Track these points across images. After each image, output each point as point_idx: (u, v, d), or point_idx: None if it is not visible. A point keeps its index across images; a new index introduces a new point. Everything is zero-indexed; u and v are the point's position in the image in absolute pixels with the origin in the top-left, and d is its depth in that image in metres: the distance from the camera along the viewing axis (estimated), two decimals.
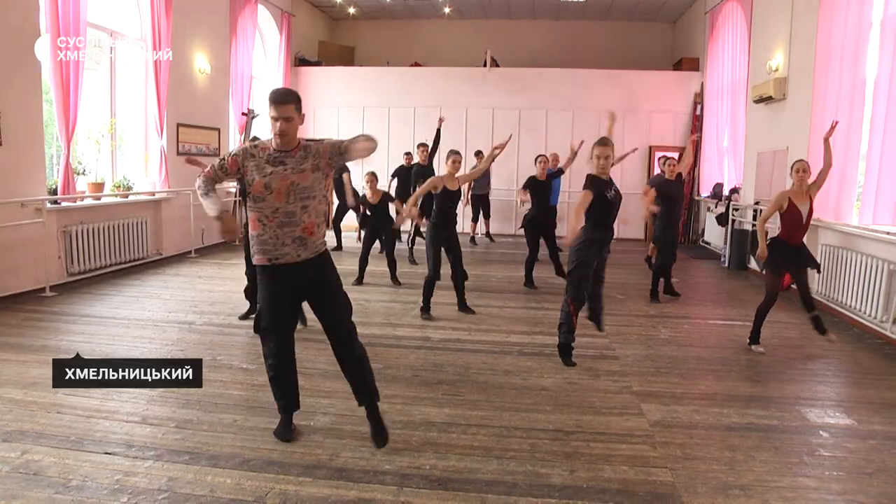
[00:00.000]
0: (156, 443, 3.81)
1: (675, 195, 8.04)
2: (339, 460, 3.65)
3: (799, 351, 6.03)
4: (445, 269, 7.04)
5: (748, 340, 6.10)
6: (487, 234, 13.82)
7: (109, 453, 3.66)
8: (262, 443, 3.85)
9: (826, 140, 5.96)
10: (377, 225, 8.91)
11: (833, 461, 3.82)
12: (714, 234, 12.60)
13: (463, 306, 7.20)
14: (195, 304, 7.31)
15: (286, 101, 3.58)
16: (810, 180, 5.90)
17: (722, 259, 11.40)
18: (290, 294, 3.78)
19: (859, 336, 6.75)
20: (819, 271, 6.42)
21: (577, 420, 4.31)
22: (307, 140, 3.80)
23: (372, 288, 8.43)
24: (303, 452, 3.74)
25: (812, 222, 5.93)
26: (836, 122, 6.19)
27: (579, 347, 5.98)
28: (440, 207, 6.99)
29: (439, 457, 3.73)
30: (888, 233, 6.73)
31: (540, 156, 8.93)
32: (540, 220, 8.70)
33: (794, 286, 6.45)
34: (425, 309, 6.99)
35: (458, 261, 7.08)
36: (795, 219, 5.81)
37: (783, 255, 5.90)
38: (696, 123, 14.09)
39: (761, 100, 10.12)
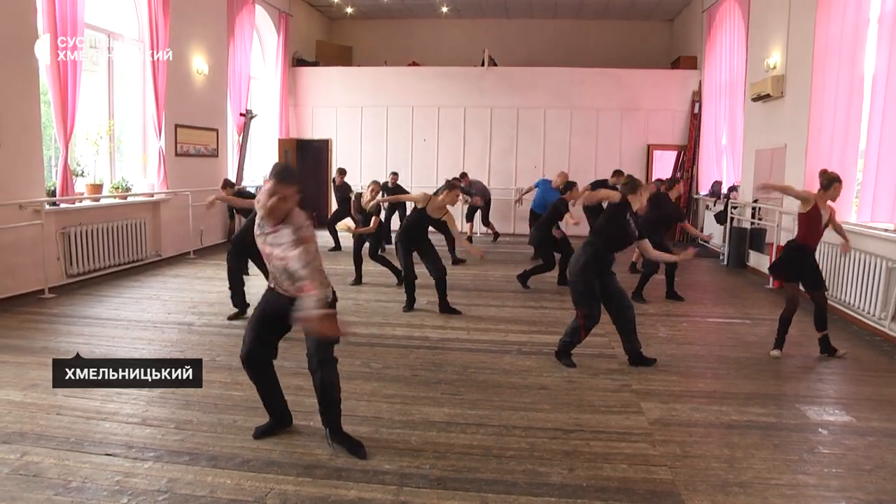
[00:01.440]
0: (156, 444, 3.82)
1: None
2: (339, 460, 3.66)
3: (798, 349, 6.03)
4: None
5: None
6: (494, 236, 13.67)
7: (109, 454, 3.66)
8: (262, 443, 3.85)
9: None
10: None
11: (832, 458, 3.83)
12: (713, 233, 12.59)
13: (444, 307, 7.23)
14: (194, 305, 7.31)
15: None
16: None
17: (721, 257, 11.41)
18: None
19: (858, 333, 6.76)
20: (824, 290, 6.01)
21: (576, 419, 4.31)
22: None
23: (370, 288, 8.44)
24: (302, 452, 3.74)
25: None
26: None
27: (578, 346, 5.99)
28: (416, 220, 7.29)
29: (439, 456, 3.73)
30: (886, 230, 6.74)
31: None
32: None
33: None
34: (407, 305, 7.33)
35: (431, 263, 7.22)
36: (815, 221, 5.76)
37: (801, 264, 5.79)
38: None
39: (759, 98, 10.12)
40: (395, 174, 12.26)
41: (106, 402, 4.38)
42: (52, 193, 8.01)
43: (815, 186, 8.24)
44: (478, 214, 13.25)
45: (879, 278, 6.64)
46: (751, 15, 10.91)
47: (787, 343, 5.90)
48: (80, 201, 8.50)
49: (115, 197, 9.23)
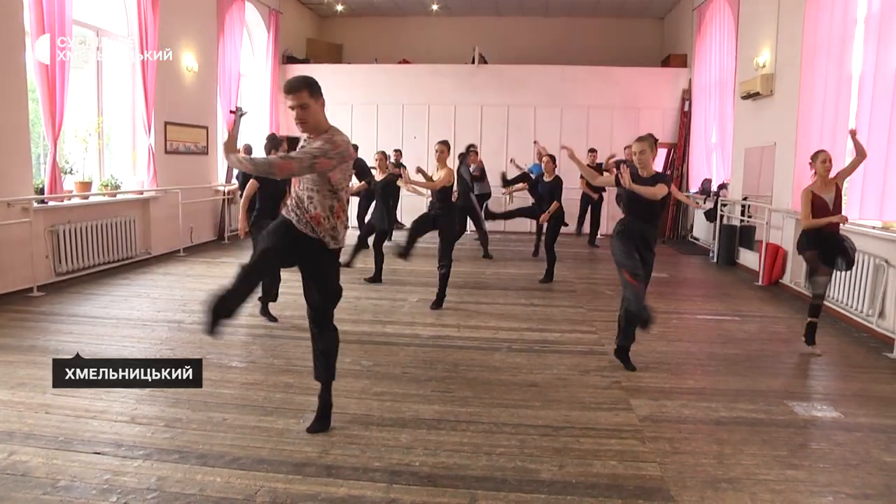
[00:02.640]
0: (145, 442, 3.80)
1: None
2: (329, 458, 3.65)
3: (786, 345, 6.07)
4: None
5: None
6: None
7: (98, 453, 3.65)
8: (252, 441, 3.84)
9: (853, 135, 5.99)
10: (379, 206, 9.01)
11: (820, 454, 3.86)
12: (702, 230, 12.66)
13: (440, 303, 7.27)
14: (184, 303, 7.28)
15: (297, 89, 3.66)
16: (834, 172, 5.82)
17: (710, 254, 11.46)
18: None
19: (846, 330, 6.81)
20: (849, 268, 5.98)
21: (566, 416, 4.33)
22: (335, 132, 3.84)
23: (361, 286, 8.41)
24: (292, 450, 3.74)
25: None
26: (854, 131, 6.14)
27: (568, 343, 6.02)
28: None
29: (429, 453, 3.73)
30: (874, 227, 6.78)
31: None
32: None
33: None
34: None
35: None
36: (822, 208, 5.76)
37: (816, 244, 5.79)
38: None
39: (749, 96, 10.17)
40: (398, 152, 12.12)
41: (95, 401, 4.35)
42: (41, 191, 7.95)
43: (805, 183, 8.34)
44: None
45: (867, 275, 6.69)
46: (740, 13, 10.96)
47: (775, 340, 5.93)
48: (69, 199, 8.45)
49: (104, 195, 9.18)
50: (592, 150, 12.51)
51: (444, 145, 7.27)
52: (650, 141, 5.34)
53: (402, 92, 14.95)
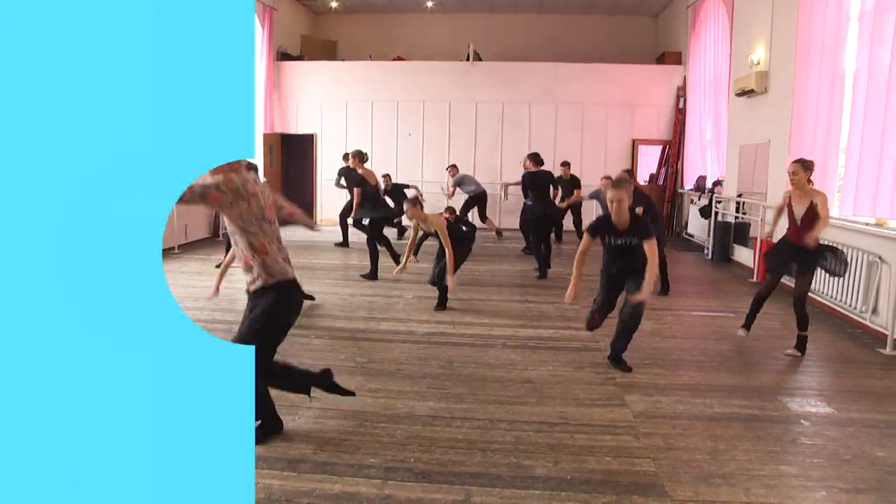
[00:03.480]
0: None
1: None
2: (324, 454, 3.65)
3: (780, 341, 6.08)
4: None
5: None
6: (497, 234, 13.26)
7: None
8: None
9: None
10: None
11: (813, 449, 3.87)
12: (697, 227, 12.67)
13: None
14: (179, 301, 7.15)
15: None
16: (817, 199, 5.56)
17: (705, 251, 11.48)
18: None
19: (840, 326, 6.83)
20: (837, 273, 5.73)
21: (561, 412, 4.33)
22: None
23: (355, 283, 8.41)
24: (286, 447, 3.73)
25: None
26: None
27: (562, 340, 6.03)
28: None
29: (423, 450, 3.73)
30: (867, 224, 6.81)
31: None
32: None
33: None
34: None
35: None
36: (790, 217, 5.74)
37: (784, 255, 5.79)
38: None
39: (743, 93, 10.19)
40: (386, 176, 12.23)
41: None
42: None
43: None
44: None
45: (861, 272, 6.71)
46: (735, 11, 10.98)
47: (768, 336, 5.94)
48: None
49: None
50: (565, 164, 12.10)
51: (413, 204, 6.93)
52: (626, 186, 4.82)
53: (397, 89, 14.93)
